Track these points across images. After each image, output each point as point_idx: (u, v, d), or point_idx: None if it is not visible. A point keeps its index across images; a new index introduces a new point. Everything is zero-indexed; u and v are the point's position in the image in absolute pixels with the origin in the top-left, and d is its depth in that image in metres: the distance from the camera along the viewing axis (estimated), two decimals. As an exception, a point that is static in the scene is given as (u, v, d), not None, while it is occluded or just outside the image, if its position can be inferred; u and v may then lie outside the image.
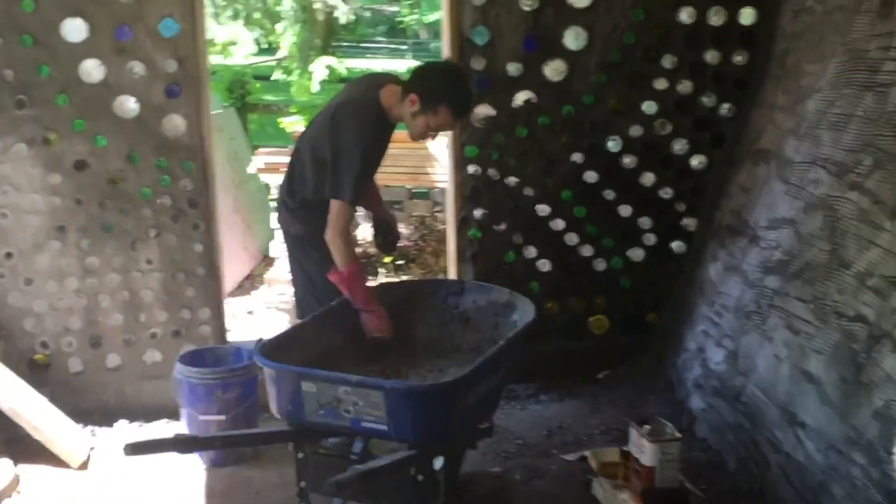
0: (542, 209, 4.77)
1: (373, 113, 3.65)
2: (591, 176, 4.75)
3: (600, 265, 4.87)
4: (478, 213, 4.77)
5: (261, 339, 3.27)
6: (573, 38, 4.62)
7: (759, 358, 3.68)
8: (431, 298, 3.88)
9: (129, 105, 4.38)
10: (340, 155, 3.59)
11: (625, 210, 4.81)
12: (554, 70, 4.64)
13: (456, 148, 4.74)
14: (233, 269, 8.31)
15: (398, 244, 4.33)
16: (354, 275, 3.65)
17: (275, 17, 8.14)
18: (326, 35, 8.55)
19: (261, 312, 6.79)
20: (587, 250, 4.85)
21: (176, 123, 4.44)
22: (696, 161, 4.77)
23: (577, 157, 4.73)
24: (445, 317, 3.82)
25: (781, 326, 3.56)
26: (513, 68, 4.62)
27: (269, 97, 11.81)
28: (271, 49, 9.11)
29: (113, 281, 4.53)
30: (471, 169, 4.73)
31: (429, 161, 8.12)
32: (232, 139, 9.62)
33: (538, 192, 4.76)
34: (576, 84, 4.68)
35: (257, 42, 9.03)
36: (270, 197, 7.83)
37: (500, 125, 4.68)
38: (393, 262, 8.11)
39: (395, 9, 22.08)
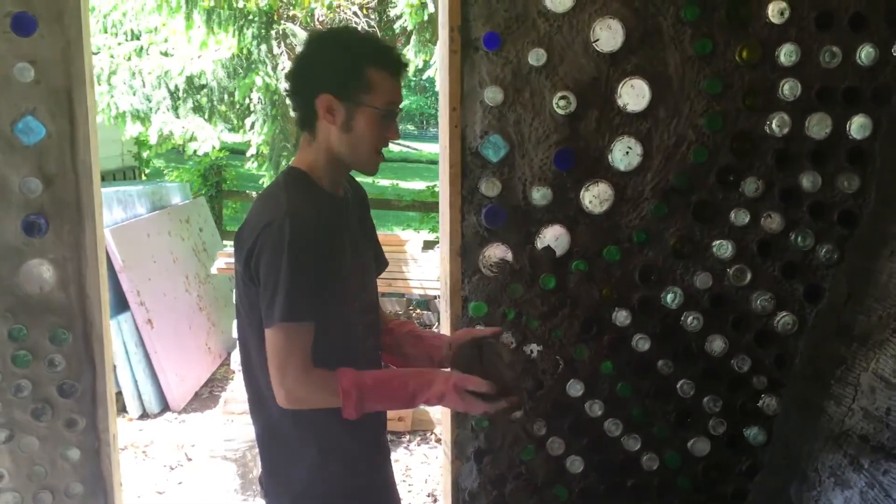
0: (574, 388, 2.79)
1: (286, 189, 1.81)
2: (640, 341, 2.78)
3: (651, 462, 2.87)
4: (485, 393, 2.74)
5: None
6: (623, 155, 2.67)
7: None
8: None
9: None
10: (266, 271, 1.74)
11: (685, 387, 2.82)
12: (595, 197, 2.69)
13: (454, 303, 2.73)
14: (193, 374, 6.25)
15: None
16: (364, 387, 1.78)
17: (243, 112, 6.11)
18: (300, 134, 6.56)
19: (199, 463, 4.64)
20: (633, 442, 2.87)
21: (40, 274, 2.39)
22: (784, 322, 2.80)
23: (622, 316, 2.76)
24: None
25: None
26: (539, 195, 2.66)
27: (247, 183, 9.74)
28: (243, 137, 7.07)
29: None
30: (476, 333, 2.72)
31: (405, 264, 6.12)
32: (200, 230, 7.55)
33: (568, 363, 2.76)
34: (624, 217, 2.74)
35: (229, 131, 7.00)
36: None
37: (520, 273, 2.69)
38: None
39: None
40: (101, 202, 2.51)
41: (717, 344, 2.83)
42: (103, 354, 2.50)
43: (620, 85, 2.67)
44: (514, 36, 2.63)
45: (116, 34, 7.21)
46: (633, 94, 2.68)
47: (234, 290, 1.91)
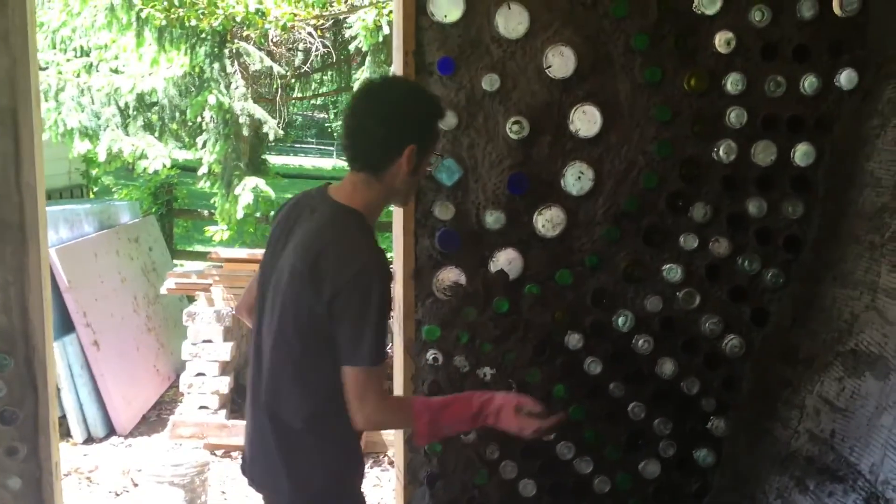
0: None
1: (364, 235, 1.99)
2: (592, 365, 2.79)
3: (602, 485, 2.89)
4: (438, 417, 2.73)
5: None
6: (575, 179, 2.70)
7: None
8: None
9: None
10: (355, 315, 1.91)
11: (636, 410, 2.84)
12: (548, 221, 2.71)
13: (407, 326, 2.72)
14: (141, 396, 6.12)
15: None
16: (434, 408, 2.03)
17: (195, 130, 6.02)
18: (252, 152, 6.44)
19: (145, 488, 4.52)
20: (585, 465, 2.88)
21: (-19, 297, 2.32)
22: (731, 345, 2.85)
23: (574, 340, 2.78)
24: None
25: None
26: (492, 218, 2.67)
27: (199, 201, 9.61)
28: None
29: None
30: (430, 356, 2.73)
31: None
32: (149, 250, 7.43)
33: (521, 386, 2.77)
34: (577, 241, 2.76)
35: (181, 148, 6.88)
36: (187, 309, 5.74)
37: (473, 297, 2.69)
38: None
39: (324, 115, 21.45)
40: (45, 224, 2.45)
41: (667, 366, 2.86)
42: (46, 380, 2.43)
43: (573, 111, 2.69)
44: (469, 61, 2.65)
45: (66, 50, 7.08)
46: (585, 120, 2.70)
47: (284, 312, 1.97)
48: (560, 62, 2.67)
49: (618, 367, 2.85)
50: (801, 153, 2.78)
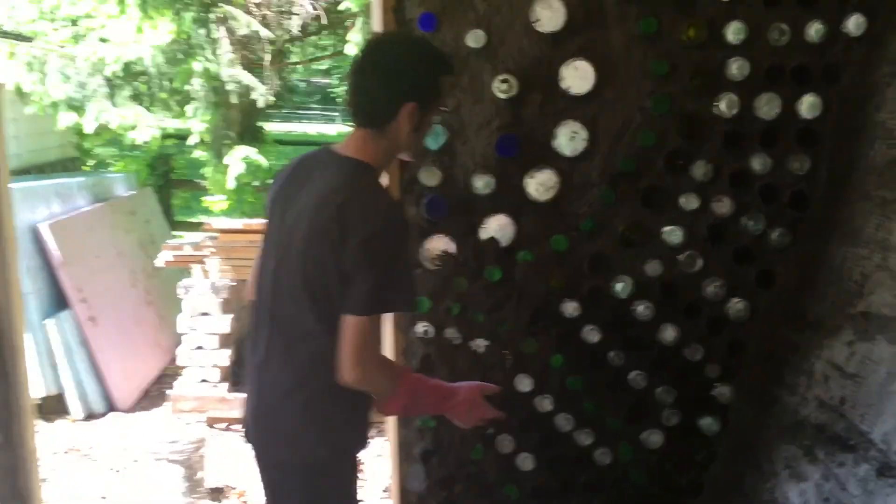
0: (523, 383, 2.68)
1: (381, 187, 2.03)
2: (590, 333, 2.67)
3: (603, 456, 2.78)
4: (430, 391, 2.63)
5: None
6: (568, 140, 2.55)
7: None
8: None
9: None
10: (384, 262, 1.90)
11: (638, 379, 2.72)
12: (540, 185, 2.57)
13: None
14: (141, 371, 6.06)
15: None
16: (418, 392, 2.13)
17: (184, 98, 5.86)
18: (243, 120, 6.27)
19: (144, 465, 4.46)
20: (585, 437, 2.77)
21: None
22: (736, 309, 2.71)
23: (571, 308, 2.65)
24: None
25: None
26: (481, 183, 2.53)
27: (196, 172, 9.47)
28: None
29: None
30: (420, 329, 2.62)
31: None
32: (147, 222, 7.33)
33: (517, 358, 2.65)
34: (571, 204, 2.62)
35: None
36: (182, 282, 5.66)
37: (464, 266, 2.57)
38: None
39: (328, 81, 21.36)
40: (9, 203, 2.32)
41: (668, 333, 2.73)
42: (17, 365, 2.33)
43: (564, 67, 2.54)
44: (451, 17, 2.49)
45: (53, 20, 6.91)
46: (577, 77, 2.55)
47: (298, 272, 1.94)
48: (549, 15, 2.51)
49: (617, 335, 2.73)
50: (808, 105, 2.62)
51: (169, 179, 8.54)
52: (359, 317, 1.85)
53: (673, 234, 2.67)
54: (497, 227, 2.60)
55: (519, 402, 2.71)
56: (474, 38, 2.49)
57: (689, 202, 2.66)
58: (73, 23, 6.76)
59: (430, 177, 2.55)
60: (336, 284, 1.86)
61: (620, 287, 2.70)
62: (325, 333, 1.89)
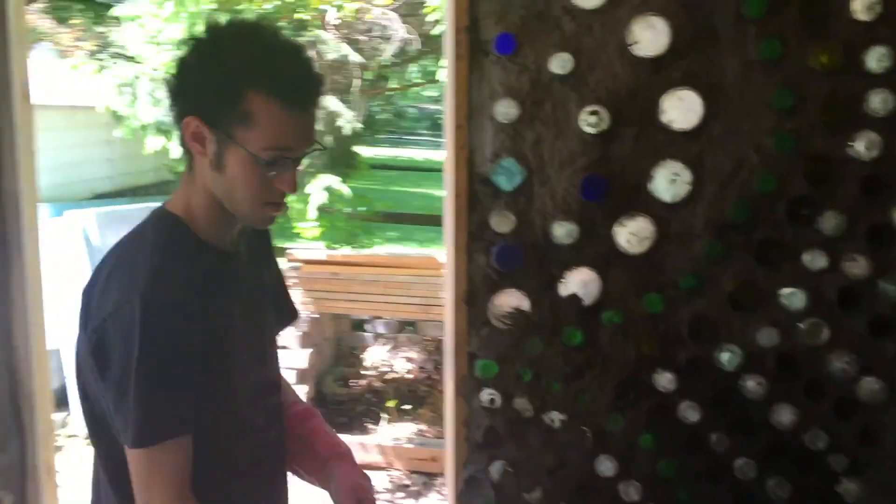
0: (605, 465, 2.29)
1: (156, 248, 1.35)
2: (688, 410, 2.26)
3: (700, 558, 2.34)
4: (495, 469, 2.27)
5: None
6: (667, 182, 2.17)
7: None
8: None
9: None
10: (116, 370, 1.30)
11: (745, 468, 2.29)
12: (633, 235, 2.19)
13: (459, 361, 2.25)
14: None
15: None
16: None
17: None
18: (337, 146, 6.07)
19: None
20: (679, 532, 2.32)
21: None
22: (870, 389, 2.25)
23: (665, 380, 2.25)
24: None
25: None
26: (562, 231, 2.17)
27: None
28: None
29: None
30: (485, 397, 2.25)
31: (443, 289, 5.66)
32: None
33: (598, 436, 2.26)
34: (669, 258, 2.22)
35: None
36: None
37: (539, 326, 2.20)
38: (397, 405, 5.67)
39: (438, 107, 21.71)
40: (36, 237, 2.11)
41: (784, 415, 2.28)
42: (34, 417, 2.10)
43: (665, 97, 2.16)
44: (533, 38, 2.15)
45: (159, 43, 6.94)
46: (682, 109, 2.16)
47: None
48: (650, 37, 2.14)
49: (721, 415, 2.29)
50: (968, 146, 2.15)
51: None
52: (127, 449, 1.33)
53: (794, 297, 2.23)
54: (579, 282, 2.23)
55: (600, 488, 2.31)
56: (559, 63, 2.14)
57: (816, 260, 2.21)
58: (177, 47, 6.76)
59: (501, 222, 2.19)
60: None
61: (727, 358, 2.27)
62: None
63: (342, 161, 7.04)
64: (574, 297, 2.23)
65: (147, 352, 1.25)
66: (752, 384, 2.28)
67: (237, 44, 1.29)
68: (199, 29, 1.32)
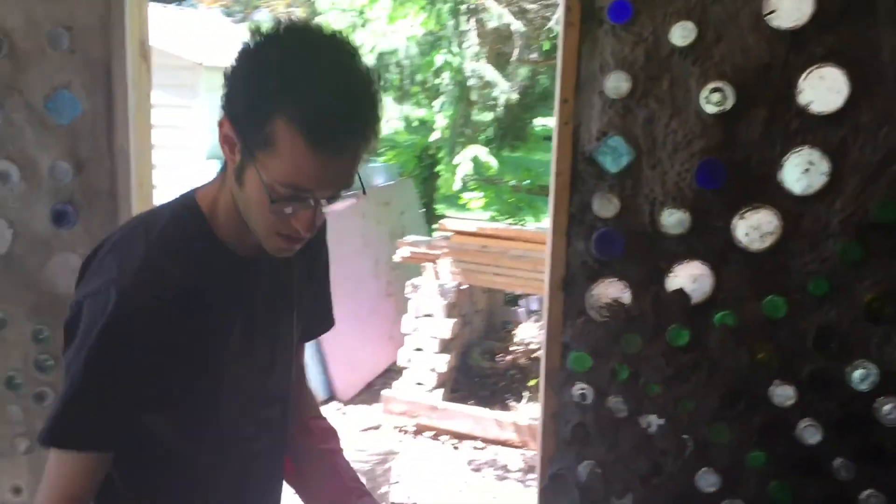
0: (706, 479, 2.08)
1: (148, 234, 1.26)
2: (808, 430, 2.01)
3: None
4: (583, 468, 2.13)
5: None
6: (800, 171, 1.91)
7: None
8: None
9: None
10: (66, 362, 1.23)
11: (872, 501, 2.01)
12: (754, 228, 1.95)
13: (551, 351, 2.12)
14: (368, 363, 6.04)
15: None
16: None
17: (433, 92, 5.67)
18: (511, 116, 5.96)
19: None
20: (789, 564, 2.08)
21: (68, 268, 2.11)
22: None
23: (783, 393, 2.01)
24: None
25: None
26: (672, 219, 1.99)
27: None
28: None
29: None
30: (577, 391, 2.10)
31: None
32: (401, 213, 7.34)
33: (701, 446, 2.05)
34: (797, 257, 1.97)
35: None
36: (411, 281, 5.55)
37: (639, 321, 2.02)
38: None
39: None
40: (149, 193, 2.18)
41: (926, 446, 1.98)
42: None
43: (804, 75, 1.89)
44: (652, 4, 1.94)
45: (344, 10, 7.12)
46: (823, 89, 1.89)
47: None
48: (790, 5, 1.88)
49: (848, 439, 2.01)
50: None
51: (433, 172, 8.55)
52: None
53: (946, 312, 1.91)
54: (689, 277, 2.01)
55: (700, 503, 2.10)
56: (681, 33, 1.93)
57: (977, 271, 1.88)
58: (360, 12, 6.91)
59: (604, 206, 2.02)
60: None
61: (859, 375, 1.99)
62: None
63: (510, 132, 6.95)
64: (681, 293, 2.02)
65: (99, 353, 1.17)
66: (888, 408, 1.98)
67: (282, 58, 1.12)
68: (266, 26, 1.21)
